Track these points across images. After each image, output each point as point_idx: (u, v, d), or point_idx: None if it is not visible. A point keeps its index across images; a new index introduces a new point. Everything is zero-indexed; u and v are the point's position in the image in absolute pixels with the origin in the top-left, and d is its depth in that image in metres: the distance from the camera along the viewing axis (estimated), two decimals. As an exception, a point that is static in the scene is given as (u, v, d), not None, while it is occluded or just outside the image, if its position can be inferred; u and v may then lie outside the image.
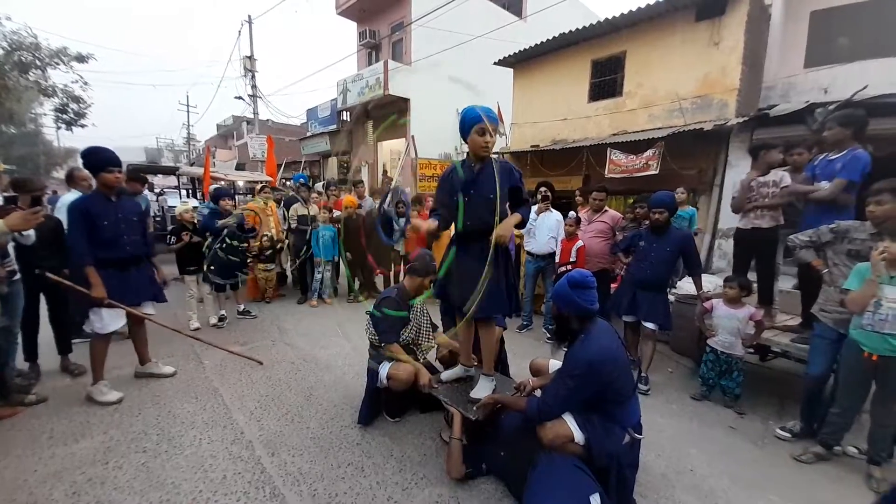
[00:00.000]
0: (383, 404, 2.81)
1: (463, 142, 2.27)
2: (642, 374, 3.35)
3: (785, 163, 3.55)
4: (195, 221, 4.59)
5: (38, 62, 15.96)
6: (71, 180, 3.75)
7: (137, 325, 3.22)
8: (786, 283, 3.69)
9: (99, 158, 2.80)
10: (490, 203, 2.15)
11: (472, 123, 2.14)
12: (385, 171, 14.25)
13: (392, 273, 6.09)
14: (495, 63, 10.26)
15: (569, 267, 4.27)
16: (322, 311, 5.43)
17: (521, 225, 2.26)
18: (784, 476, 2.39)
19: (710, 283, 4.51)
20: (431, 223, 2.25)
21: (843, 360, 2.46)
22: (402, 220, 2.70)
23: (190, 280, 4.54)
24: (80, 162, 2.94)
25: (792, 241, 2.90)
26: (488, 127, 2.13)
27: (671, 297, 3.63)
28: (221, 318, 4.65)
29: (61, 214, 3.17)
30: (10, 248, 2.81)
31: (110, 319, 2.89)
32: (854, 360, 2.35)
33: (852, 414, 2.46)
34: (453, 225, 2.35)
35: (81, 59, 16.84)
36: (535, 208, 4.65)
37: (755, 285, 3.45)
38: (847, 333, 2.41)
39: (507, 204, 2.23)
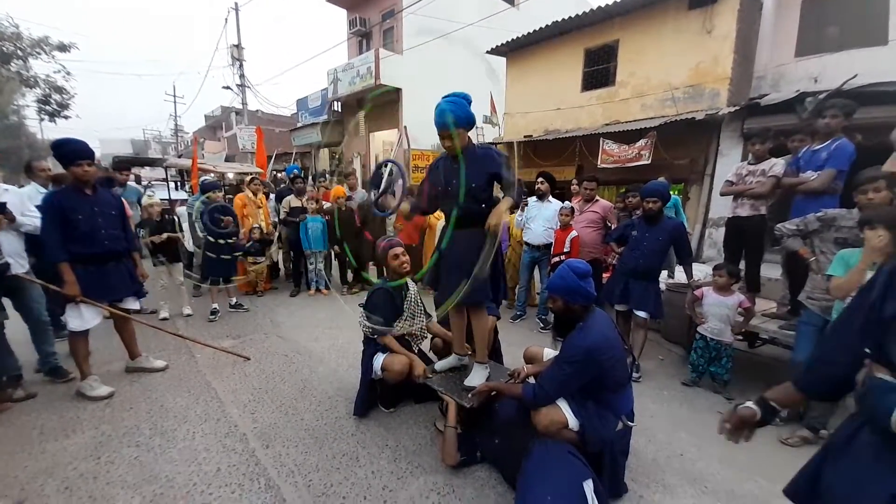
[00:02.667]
0: (378, 395, 2.82)
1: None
2: (635, 362, 3.40)
3: (775, 151, 3.57)
4: (165, 215, 4.52)
5: (19, 52, 15.49)
6: (29, 171, 3.58)
7: (122, 321, 3.17)
8: (772, 271, 3.74)
9: (68, 150, 2.66)
10: (474, 192, 2.24)
11: (437, 128, 2.24)
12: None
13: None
14: (488, 52, 10.17)
15: (563, 257, 4.30)
16: (315, 303, 5.41)
17: (515, 207, 2.30)
18: (772, 459, 2.45)
19: (701, 271, 4.57)
20: (405, 206, 2.51)
21: None
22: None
23: (160, 270, 4.51)
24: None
25: (779, 229, 2.93)
26: (443, 132, 2.22)
27: (662, 286, 3.67)
28: (214, 312, 4.62)
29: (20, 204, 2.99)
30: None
31: (89, 316, 2.82)
32: None
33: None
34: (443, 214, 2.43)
35: (63, 48, 16.38)
36: (532, 201, 4.65)
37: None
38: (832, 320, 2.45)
39: (491, 189, 2.34)
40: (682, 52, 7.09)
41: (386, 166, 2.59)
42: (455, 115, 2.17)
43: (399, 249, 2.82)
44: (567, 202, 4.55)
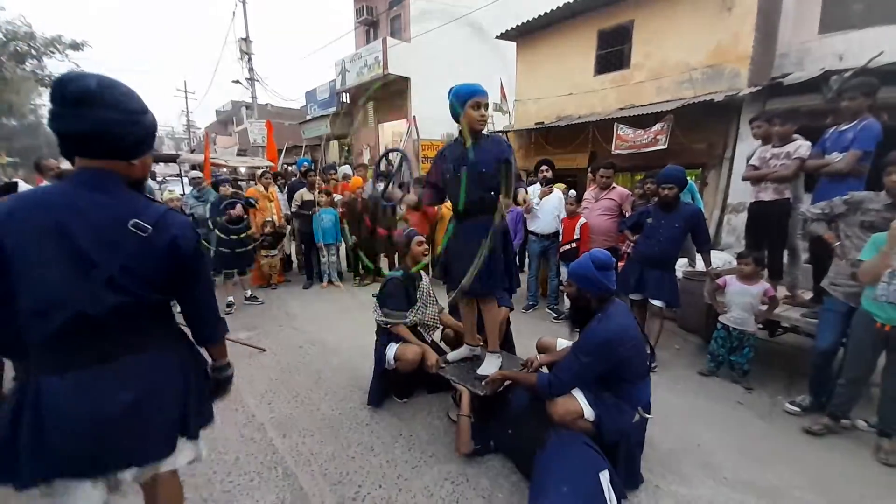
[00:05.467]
0: (391, 385, 2.84)
1: (455, 122, 2.27)
2: (650, 352, 3.35)
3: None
4: (183, 211, 4.55)
5: (33, 52, 15.76)
6: (38, 169, 3.62)
7: None
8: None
9: None
10: (484, 178, 2.18)
11: (467, 98, 2.15)
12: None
13: (396, 256, 6.08)
14: (498, 37, 9.95)
15: (573, 245, 4.25)
16: (329, 294, 5.46)
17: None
18: (792, 449, 2.40)
19: (719, 258, 4.46)
20: (412, 196, 2.49)
21: (852, 331, 2.43)
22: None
23: None
24: None
25: (803, 214, 2.85)
26: (482, 100, 2.16)
27: (679, 274, 3.59)
28: (229, 305, 4.69)
29: None
30: None
31: None
32: (865, 331, 2.33)
33: (859, 385, 2.45)
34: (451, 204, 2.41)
35: (76, 46, 16.58)
36: (536, 190, 4.58)
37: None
38: (857, 307, 2.38)
39: (499, 176, 2.25)
40: (700, 31, 6.82)
41: (390, 156, 2.57)
42: None
43: (420, 237, 2.86)
44: (571, 191, 4.50)
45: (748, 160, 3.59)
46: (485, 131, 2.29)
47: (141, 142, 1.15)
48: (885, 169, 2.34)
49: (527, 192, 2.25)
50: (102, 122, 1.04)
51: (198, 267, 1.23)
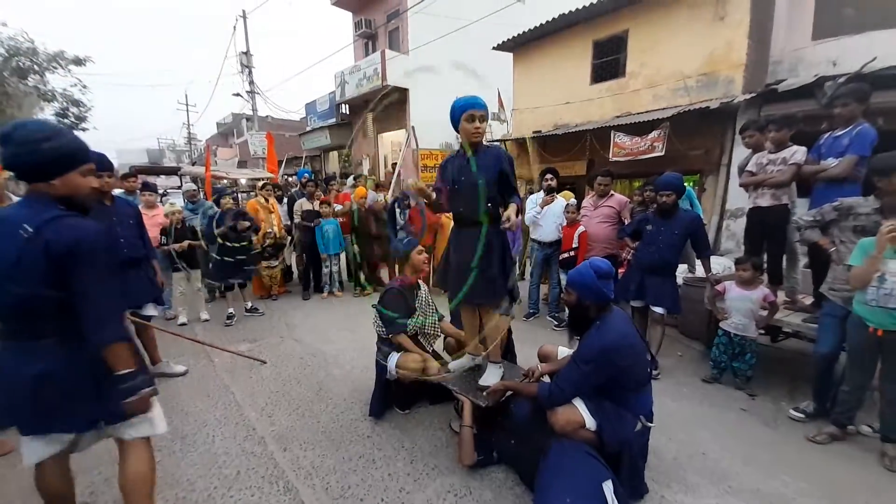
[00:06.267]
0: (393, 396, 2.82)
1: (456, 133, 2.31)
2: (652, 359, 3.33)
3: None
4: (184, 222, 4.57)
5: (35, 67, 15.93)
6: None
7: (142, 327, 3.23)
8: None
9: None
10: (477, 191, 2.20)
11: (461, 111, 2.19)
12: (391, 165, 14.18)
13: (397, 267, 6.10)
14: (494, 48, 10.07)
15: (572, 253, 4.26)
16: (329, 305, 5.45)
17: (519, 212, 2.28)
18: (798, 456, 2.38)
19: (719, 264, 4.46)
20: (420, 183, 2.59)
21: (848, 337, 2.44)
22: (405, 212, 2.72)
23: (178, 277, 4.57)
24: None
25: (796, 221, 2.87)
26: (476, 113, 2.18)
27: (679, 281, 3.60)
28: (230, 316, 4.69)
29: None
30: None
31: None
32: (859, 336, 2.33)
33: (862, 391, 2.44)
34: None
35: (79, 62, 16.78)
36: (538, 199, 4.60)
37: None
38: None
39: (496, 189, 2.28)
40: (695, 39, 6.91)
41: (398, 204, 2.63)
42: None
43: (420, 247, 2.90)
44: (573, 199, 4.52)
45: (740, 169, 3.62)
46: (483, 141, 2.32)
47: (48, 164, 1.38)
48: (874, 175, 2.36)
49: (518, 208, 2.26)
50: (12, 155, 1.35)
51: (76, 268, 1.36)
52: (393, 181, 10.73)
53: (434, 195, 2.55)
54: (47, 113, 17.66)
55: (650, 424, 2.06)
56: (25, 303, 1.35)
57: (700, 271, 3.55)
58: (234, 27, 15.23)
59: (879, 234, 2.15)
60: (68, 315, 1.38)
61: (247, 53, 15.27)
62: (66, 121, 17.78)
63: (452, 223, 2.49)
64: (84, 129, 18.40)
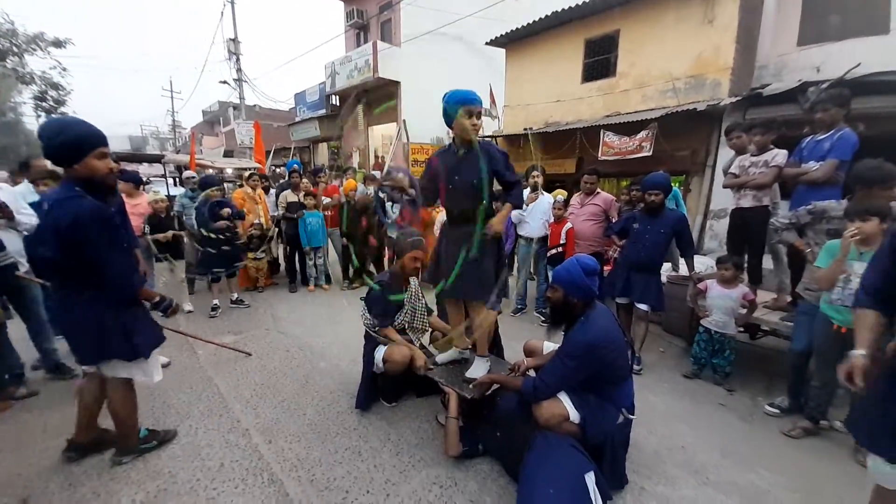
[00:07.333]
0: (380, 389, 2.82)
1: (448, 129, 2.25)
2: (635, 354, 3.40)
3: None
4: (169, 212, 4.48)
5: (14, 48, 15.34)
6: (27, 169, 3.48)
7: None
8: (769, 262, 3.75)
9: None
10: (474, 188, 2.17)
11: (461, 104, 2.12)
12: (379, 157, 14.07)
13: (386, 258, 6.07)
14: (487, 43, 10.05)
15: (560, 249, 4.30)
16: (316, 298, 5.41)
17: (517, 207, 2.27)
18: (773, 450, 2.46)
19: (702, 263, 4.56)
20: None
21: (815, 335, 2.53)
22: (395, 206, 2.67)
23: (161, 267, 4.48)
24: None
25: (773, 223, 2.96)
26: (475, 109, 2.13)
27: (663, 279, 3.67)
28: (214, 308, 4.62)
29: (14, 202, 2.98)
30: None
31: None
32: (825, 334, 2.43)
33: (831, 387, 2.53)
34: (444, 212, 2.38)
35: (59, 44, 16.23)
36: (525, 195, 4.63)
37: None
38: None
39: (490, 187, 2.23)
40: (683, 42, 7.00)
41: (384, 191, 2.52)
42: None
43: (419, 252, 2.68)
44: (559, 196, 4.55)
45: (724, 171, 3.71)
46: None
47: (65, 152, 1.75)
48: (856, 183, 2.43)
49: (513, 206, 2.25)
50: (44, 148, 1.73)
51: (81, 240, 1.71)
52: (381, 174, 10.64)
53: (413, 191, 2.34)
54: (26, 96, 17.05)
55: (632, 417, 2.11)
56: (52, 262, 1.78)
57: (683, 270, 3.62)
58: (222, 13, 14.86)
59: (843, 238, 2.25)
60: (84, 275, 1.78)
61: (235, 40, 14.91)
62: (44, 104, 17.19)
63: (443, 219, 2.47)
64: (63, 114, 17.80)
